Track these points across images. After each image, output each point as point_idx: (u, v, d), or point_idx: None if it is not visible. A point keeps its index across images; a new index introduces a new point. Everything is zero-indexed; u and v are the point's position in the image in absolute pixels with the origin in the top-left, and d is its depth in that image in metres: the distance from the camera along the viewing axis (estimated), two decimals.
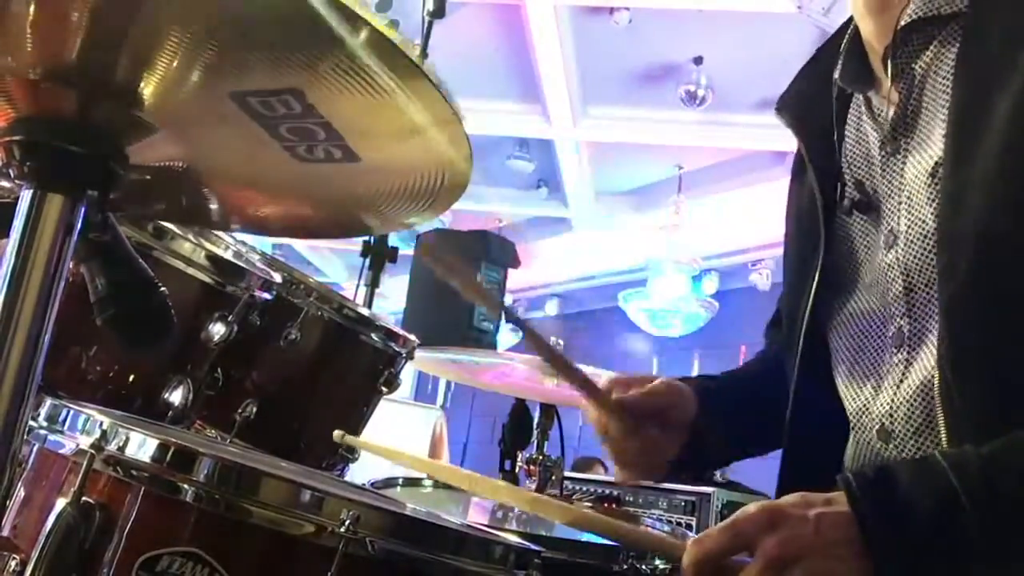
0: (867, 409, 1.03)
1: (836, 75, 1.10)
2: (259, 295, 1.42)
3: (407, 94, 0.65)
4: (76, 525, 0.77)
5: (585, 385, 1.16)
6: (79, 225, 0.73)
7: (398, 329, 1.69)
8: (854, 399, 1.05)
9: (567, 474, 3.02)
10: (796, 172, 1.21)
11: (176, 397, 1.32)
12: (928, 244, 0.94)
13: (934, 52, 0.97)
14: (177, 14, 0.62)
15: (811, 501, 0.76)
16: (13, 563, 0.79)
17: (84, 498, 0.78)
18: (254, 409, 1.49)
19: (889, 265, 1.00)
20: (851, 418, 1.07)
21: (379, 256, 2.80)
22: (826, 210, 1.09)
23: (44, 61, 0.69)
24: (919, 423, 0.94)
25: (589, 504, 1.98)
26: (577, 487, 3.06)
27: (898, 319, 0.98)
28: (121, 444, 0.82)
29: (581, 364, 2.03)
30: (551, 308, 9.34)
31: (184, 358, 1.35)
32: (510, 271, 5.31)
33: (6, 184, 0.77)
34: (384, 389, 1.69)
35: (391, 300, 7.44)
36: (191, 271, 1.31)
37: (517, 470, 2.03)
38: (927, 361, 0.93)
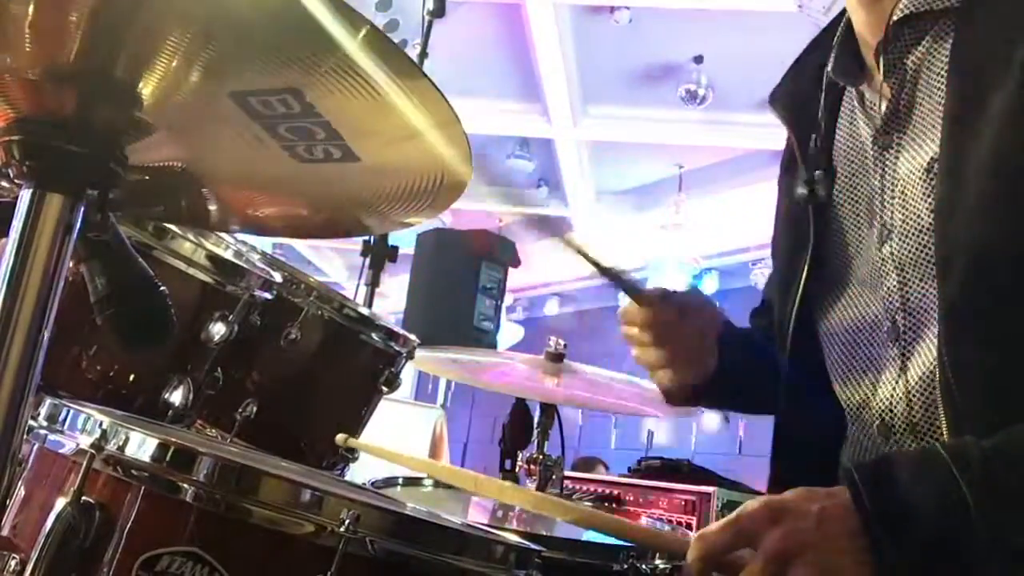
0: (867, 404, 1.03)
1: (828, 68, 1.09)
2: (259, 295, 1.42)
3: (406, 94, 0.65)
4: (76, 525, 0.77)
5: (628, 284, 1.20)
6: (79, 225, 0.73)
7: (398, 329, 1.69)
8: (852, 394, 1.05)
9: (567, 473, 3.02)
10: (786, 165, 1.21)
11: (176, 397, 1.32)
12: (923, 239, 0.94)
13: (927, 47, 0.97)
14: (176, 14, 0.62)
15: (813, 495, 0.76)
16: (13, 563, 0.79)
17: (84, 498, 0.78)
18: (254, 409, 1.49)
19: (883, 259, 1.00)
20: (849, 413, 1.07)
21: (379, 256, 2.79)
22: (816, 204, 1.09)
23: (43, 61, 0.69)
24: (919, 418, 0.95)
25: (590, 504, 1.98)
26: (577, 487, 3.06)
27: (893, 313, 0.98)
28: (121, 444, 0.82)
29: (581, 364, 2.04)
30: (551, 308, 9.35)
31: (184, 358, 1.35)
32: (510, 271, 5.32)
33: (6, 184, 0.77)
34: (384, 389, 1.69)
35: (391, 300, 7.44)
36: (191, 271, 1.30)
37: (517, 470, 2.03)
38: (926, 356, 0.94)
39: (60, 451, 0.87)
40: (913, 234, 0.96)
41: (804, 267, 1.09)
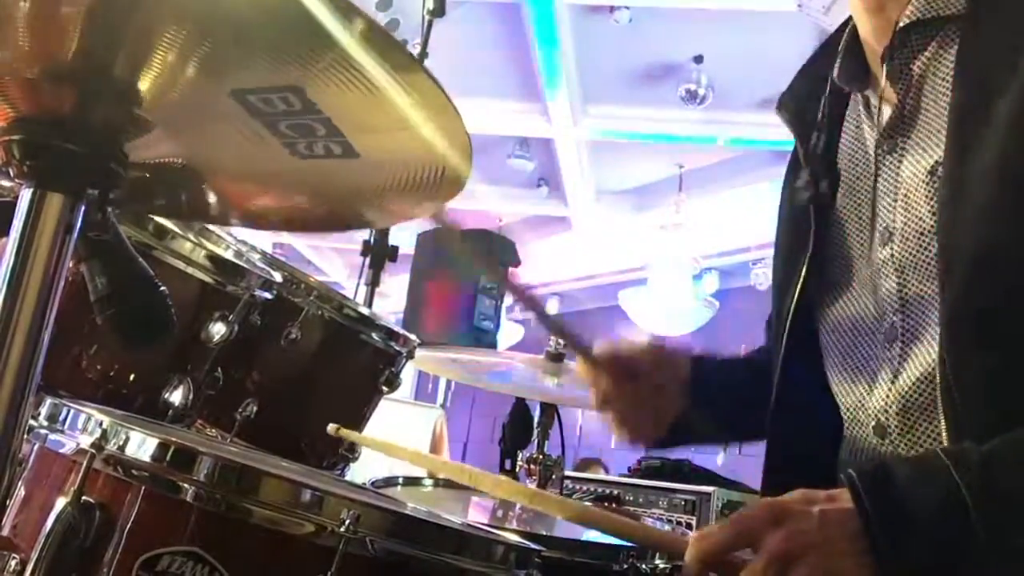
0: (862, 405, 1.03)
1: (834, 74, 1.10)
2: (259, 294, 1.41)
3: (405, 89, 0.65)
4: (76, 525, 0.77)
5: (577, 345, 1.22)
6: (79, 224, 0.73)
7: (398, 329, 1.69)
8: (848, 395, 1.06)
9: (567, 473, 3.03)
10: (791, 168, 1.21)
11: (176, 397, 1.32)
12: (924, 241, 0.95)
13: (932, 53, 0.98)
14: (174, 12, 0.62)
15: (814, 498, 0.77)
16: (13, 563, 0.79)
17: (84, 497, 0.78)
18: (254, 408, 1.49)
19: (883, 261, 1.00)
20: (845, 414, 1.07)
21: (379, 255, 2.79)
22: (818, 207, 1.09)
23: (42, 60, 0.69)
24: (916, 419, 0.95)
25: (589, 504, 1.98)
26: (577, 486, 3.06)
27: (891, 315, 0.99)
28: (121, 443, 0.82)
29: None
30: (551, 308, 9.34)
31: (184, 358, 1.35)
32: (510, 270, 5.31)
33: (6, 183, 0.76)
34: (384, 388, 1.69)
35: (391, 300, 7.44)
36: (191, 270, 1.30)
37: (517, 469, 2.03)
38: (924, 358, 0.94)
39: (60, 451, 0.87)
40: (914, 237, 0.96)
41: (803, 267, 1.10)
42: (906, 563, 0.72)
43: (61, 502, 0.78)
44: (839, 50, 1.09)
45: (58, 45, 0.66)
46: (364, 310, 1.72)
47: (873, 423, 1.01)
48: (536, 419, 2.05)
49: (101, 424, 0.83)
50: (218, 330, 1.33)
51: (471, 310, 4.80)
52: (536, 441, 2.03)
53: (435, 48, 2.73)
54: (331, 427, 1.25)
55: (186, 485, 0.78)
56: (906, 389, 0.96)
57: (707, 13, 4.81)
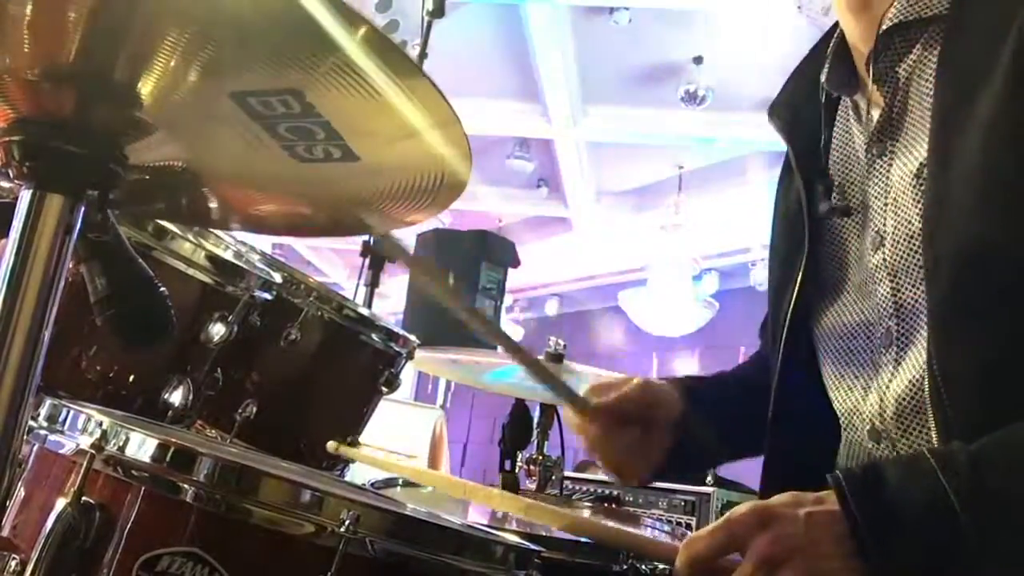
0: (857, 410, 1.03)
1: (823, 79, 1.10)
2: (259, 295, 1.42)
3: (406, 94, 0.65)
4: (76, 525, 0.77)
5: (563, 391, 1.20)
6: (79, 225, 0.73)
7: (398, 329, 1.69)
8: (844, 400, 1.06)
9: (567, 474, 3.03)
10: (784, 175, 1.22)
11: (176, 397, 1.32)
12: (914, 244, 0.95)
13: (917, 55, 0.98)
14: (175, 15, 0.62)
15: (801, 500, 0.77)
16: (13, 563, 0.79)
17: (84, 498, 0.78)
18: (254, 409, 1.49)
19: (876, 266, 1.00)
20: (842, 418, 1.07)
21: (379, 256, 2.80)
22: (811, 213, 1.09)
23: (42, 61, 0.69)
24: (909, 423, 0.95)
25: (588, 505, 1.98)
26: (577, 487, 3.06)
27: (886, 320, 0.99)
28: (121, 444, 0.82)
29: (582, 364, 2.04)
30: (551, 308, 9.34)
31: (184, 358, 1.35)
32: (510, 271, 5.32)
33: (6, 184, 0.77)
34: (384, 389, 1.69)
35: (391, 300, 7.44)
36: (191, 271, 1.31)
37: (517, 470, 2.03)
38: (916, 361, 0.94)
39: (60, 451, 0.87)
40: (904, 240, 0.96)
41: (799, 273, 1.10)
42: (893, 566, 0.72)
43: (61, 503, 0.78)
44: (827, 55, 1.09)
45: (59, 47, 0.66)
46: (364, 311, 1.72)
47: (868, 427, 1.01)
48: (536, 420, 2.05)
49: (101, 425, 0.83)
50: (218, 331, 1.34)
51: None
52: (536, 442, 2.03)
53: (435, 49, 2.74)
54: (330, 444, 1.25)
55: (186, 486, 0.78)
56: (900, 393, 0.96)
57: (707, 14, 4.81)
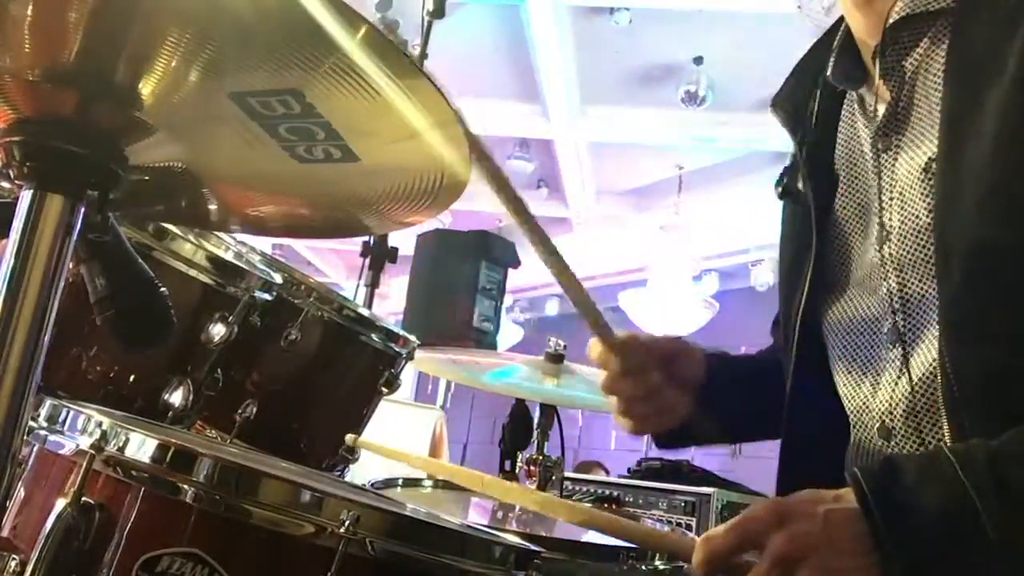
0: (867, 407, 1.03)
1: (828, 73, 1.09)
2: (259, 296, 1.42)
3: (406, 94, 0.65)
4: (76, 525, 0.77)
5: (596, 322, 1.15)
6: (79, 225, 0.73)
7: (398, 329, 1.69)
8: (853, 397, 1.05)
9: (567, 474, 3.02)
10: (790, 169, 1.21)
11: (176, 398, 1.32)
12: (921, 239, 0.94)
13: (925, 49, 0.97)
14: (176, 15, 0.62)
15: (819, 498, 0.76)
16: (13, 563, 0.79)
17: (84, 498, 0.78)
18: (254, 409, 1.49)
19: (882, 261, 1.00)
20: (851, 416, 1.07)
21: (379, 256, 2.80)
22: (818, 208, 1.09)
23: (43, 62, 0.69)
24: (920, 420, 0.94)
25: (589, 504, 1.98)
26: (577, 488, 3.06)
27: (892, 315, 0.98)
28: (121, 444, 0.82)
29: (581, 364, 2.04)
30: (551, 308, 9.34)
31: (184, 359, 1.35)
32: (510, 271, 5.31)
33: (6, 185, 0.77)
34: (384, 390, 1.69)
35: (391, 300, 7.44)
36: (191, 272, 1.31)
37: (517, 470, 2.03)
38: (926, 357, 0.94)
39: (60, 452, 0.87)
40: (911, 235, 0.96)
41: (808, 271, 1.09)
42: (911, 563, 0.72)
43: (61, 503, 0.78)
44: (833, 49, 1.09)
45: (60, 48, 0.67)
46: (364, 311, 1.72)
47: (878, 425, 1.00)
48: (536, 420, 2.05)
49: (101, 425, 0.83)
50: (218, 331, 1.33)
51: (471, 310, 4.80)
52: (536, 442, 2.03)
53: (435, 49, 2.74)
54: (349, 437, 1.24)
55: (186, 486, 0.78)
56: (909, 390, 0.95)
57: (707, 14, 4.81)
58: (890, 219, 0.99)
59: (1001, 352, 0.85)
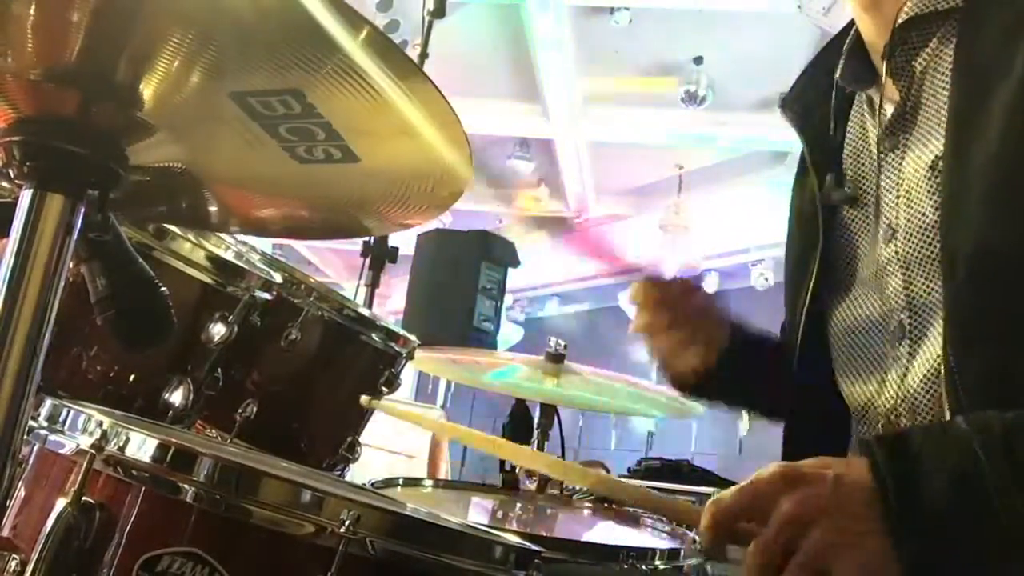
0: (872, 404, 1.03)
1: (837, 75, 1.10)
2: (259, 295, 1.42)
3: (407, 96, 0.65)
4: (76, 525, 0.77)
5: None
6: (79, 225, 0.73)
7: (398, 329, 1.69)
8: (858, 395, 1.06)
9: None
10: (799, 170, 1.22)
11: (177, 397, 1.32)
12: (928, 237, 0.95)
13: (933, 49, 0.98)
14: (177, 16, 0.62)
15: (829, 463, 0.75)
16: (13, 563, 0.79)
17: (84, 498, 0.78)
18: (254, 409, 1.49)
19: (888, 259, 1.00)
20: (855, 414, 1.07)
21: (379, 256, 2.80)
22: (825, 207, 1.09)
23: (45, 62, 0.69)
24: (923, 417, 0.94)
25: (589, 505, 1.98)
26: (577, 487, 3.05)
27: (898, 313, 0.99)
28: (121, 444, 0.82)
29: (582, 364, 2.04)
30: (551, 308, 9.35)
31: (184, 358, 1.35)
32: (510, 271, 5.32)
33: (6, 184, 0.77)
34: (384, 389, 1.69)
35: (391, 300, 7.44)
36: (191, 271, 1.31)
37: (517, 470, 2.03)
38: (931, 354, 0.94)
39: (60, 451, 0.87)
40: (917, 233, 0.96)
41: (814, 269, 1.10)
42: (921, 530, 0.71)
43: (61, 502, 0.78)
44: (843, 51, 1.10)
45: (62, 47, 0.67)
46: (364, 311, 1.72)
47: (882, 422, 1.00)
48: (536, 420, 2.05)
49: (101, 425, 0.83)
50: (218, 331, 1.33)
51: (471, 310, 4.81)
52: (536, 442, 2.03)
53: (435, 49, 2.74)
54: (364, 399, 1.25)
55: (186, 486, 0.78)
56: (914, 388, 0.96)
57: (707, 14, 4.81)
58: (896, 218, 1.00)
59: (1004, 351, 0.85)
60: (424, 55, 2.71)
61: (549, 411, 2.04)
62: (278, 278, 1.49)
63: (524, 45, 5.31)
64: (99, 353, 1.26)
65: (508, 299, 6.50)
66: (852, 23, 1.10)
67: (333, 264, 9.22)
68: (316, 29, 0.58)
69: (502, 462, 2.08)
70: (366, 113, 0.68)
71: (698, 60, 5.28)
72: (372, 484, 1.67)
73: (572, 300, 9.26)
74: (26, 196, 0.72)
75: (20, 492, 0.89)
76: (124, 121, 0.72)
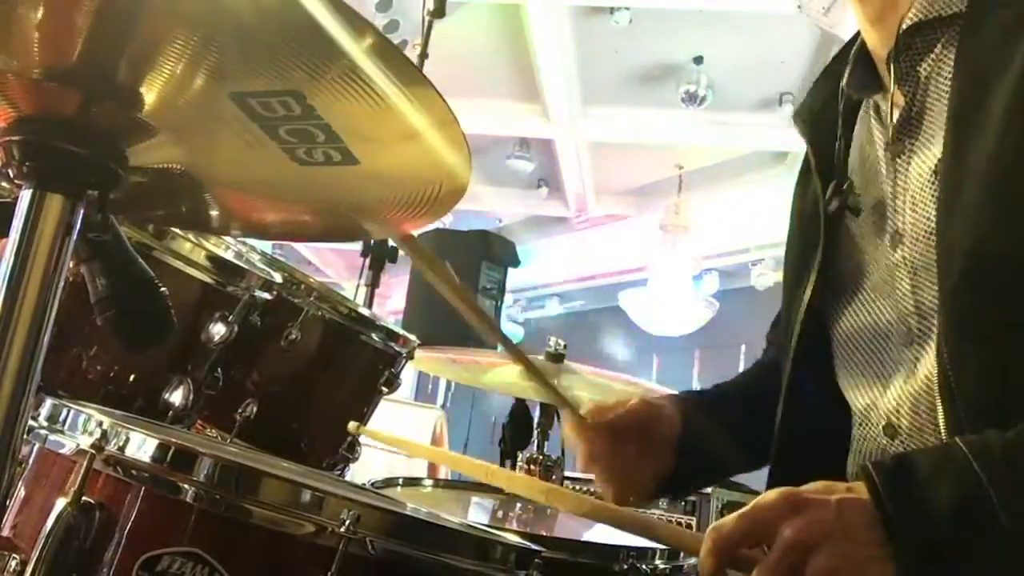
0: (874, 406, 1.03)
1: (843, 83, 1.11)
2: (259, 295, 1.42)
3: (407, 98, 0.65)
4: (76, 525, 0.77)
5: (565, 406, 1.21)
6: (79, 225, 0.73)
7: (398, 329, 1.69)
8: (861, 397, 1.06)
9: (567, 474, 3.02)
10: (802, 175, 1.22)
11: (177, 397, 1.33)
12: (931, 241, 0.95)
13: (938, 54, 0.98)
14: (179, 17, 0.62)
15: (832, 488, 0.75)
16: (13, 563, 0.79)
17: (84, 498, 0.78)
18: (254, 409, 1.49)
19: (896, 264, 1.01)
20: (856, 415, 1.07)
21: (379, 256, 2.80)
22: (828, 213, 1.10)
23: (46, 62, 0.69)
24: (924, 418, 0.95)
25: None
26: (577, 487, 3.06)
27: (907, 317, 0.99)
28: (121, 444, 0.82)
29: (581, 364, 2.04)
30: (551, 308, 9.34)
31: (184, 358, 1.35)
32: (510, 271, 5.32)
33: (6, 184, 0.77)
34: (384, 389, 1.69)
35: (391, 300, 7.44)
36: (191, 271, 1.31)
37: (517, 470, 2.03)
38: (931, 356, 0.94)
39: (60, 451, 0.87)
40: (923, 237, 0.96)
41: (813, 271, 1.10)
42: (924, 554, 0.71)
43: (61, 502, 0.78)
44: (850, 59, 1.10)
45: (64, 47, 0.66)
46: (364, 311, 1.72)
47: (884, 423, 1.01)
48: (536, 420, 2.06)
49: (101, 424, 0.83)
50: (218, 330, 1.34)
51: None
52: (536, 442, 2.04)
53: (435, 49, 2.74)
54: (352, 425, 1.24)
55: (186, 486, 0.79)
56: (916, 388, 0.96)
57: (707, 14, 4.81)
58: (902, 223, 1.00)
59: (998, 352, 0.85)
60: (424, 55, 2.71)
61: (549, 411, 2.04)
62: (278, 278, 1.49)
63: (524, 45, 5.30)
64: (99, 353, 1.26)
65: (508, 299, 6.50)
66: (858, 34, 1.11)
67: (333, 264, 9.21)
68: (317, 32, 0.58)
69: (502, 462, 2.08)
70: (366, 116, 0.68)
71: (698, 60, 5.27)
72: (372, 484, 1.67)
73: (572, 300, 9.26)
74: (26, 196, 0.72)
75: (20, 492, 0.89)
76: (124, 121, 0.72)
